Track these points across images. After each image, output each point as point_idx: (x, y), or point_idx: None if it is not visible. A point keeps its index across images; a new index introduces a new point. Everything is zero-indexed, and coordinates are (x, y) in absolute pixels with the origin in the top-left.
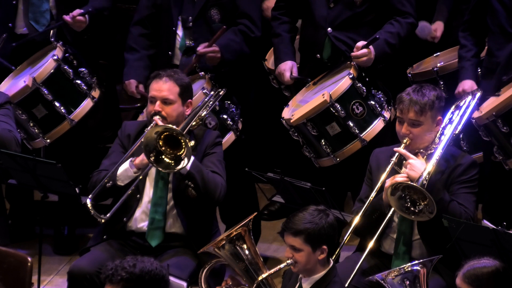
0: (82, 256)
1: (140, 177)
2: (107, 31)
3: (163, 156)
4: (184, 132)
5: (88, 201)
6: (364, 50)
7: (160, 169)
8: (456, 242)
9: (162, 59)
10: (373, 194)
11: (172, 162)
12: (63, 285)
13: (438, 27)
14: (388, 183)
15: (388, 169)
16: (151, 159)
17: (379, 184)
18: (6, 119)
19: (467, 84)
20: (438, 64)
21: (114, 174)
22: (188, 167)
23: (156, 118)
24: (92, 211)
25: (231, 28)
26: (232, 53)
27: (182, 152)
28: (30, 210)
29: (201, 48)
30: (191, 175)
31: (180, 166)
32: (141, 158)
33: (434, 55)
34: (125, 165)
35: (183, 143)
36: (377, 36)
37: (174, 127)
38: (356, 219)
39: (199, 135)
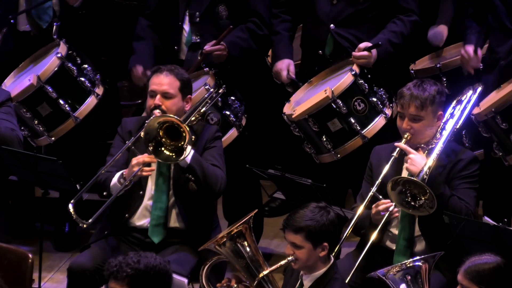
0: (82, 252)
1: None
2: (108, 27)
3: (163, 148)
4: (185, 124)
5: (71, 206)
6: (365, 53)
7: (160, 160)
8: (457, 238)
9: (168, 53)
10: (373, 189)
11: (173, 154)
12: (64, 281)
13: (443, 31)
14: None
15: (389, 164)
16: (150, 148)
17: (379, 179)
18: (8, 117)
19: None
20: (441, 61)
21: (108, 184)
22: (188, 159)
23: (156, 112)
24: (74, 216)
25: (239, 26)
26: (238, 50)
27: (183, 142)
28: (31, 206)
29: (207, 47)
30: (191, 168)
31: (182, 157)
32: (130, 171)
33: (437, 51)
34: (115, 178)
35: (184, 133)
36: (380, 43)
37: (176, 117)
38: (353, 220)
39: (198, 130)
